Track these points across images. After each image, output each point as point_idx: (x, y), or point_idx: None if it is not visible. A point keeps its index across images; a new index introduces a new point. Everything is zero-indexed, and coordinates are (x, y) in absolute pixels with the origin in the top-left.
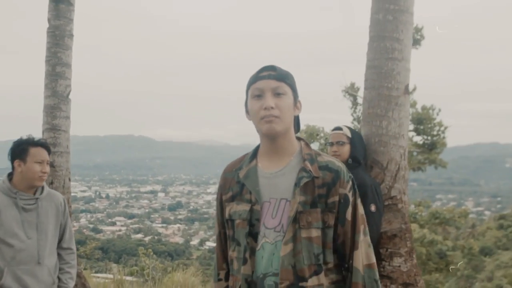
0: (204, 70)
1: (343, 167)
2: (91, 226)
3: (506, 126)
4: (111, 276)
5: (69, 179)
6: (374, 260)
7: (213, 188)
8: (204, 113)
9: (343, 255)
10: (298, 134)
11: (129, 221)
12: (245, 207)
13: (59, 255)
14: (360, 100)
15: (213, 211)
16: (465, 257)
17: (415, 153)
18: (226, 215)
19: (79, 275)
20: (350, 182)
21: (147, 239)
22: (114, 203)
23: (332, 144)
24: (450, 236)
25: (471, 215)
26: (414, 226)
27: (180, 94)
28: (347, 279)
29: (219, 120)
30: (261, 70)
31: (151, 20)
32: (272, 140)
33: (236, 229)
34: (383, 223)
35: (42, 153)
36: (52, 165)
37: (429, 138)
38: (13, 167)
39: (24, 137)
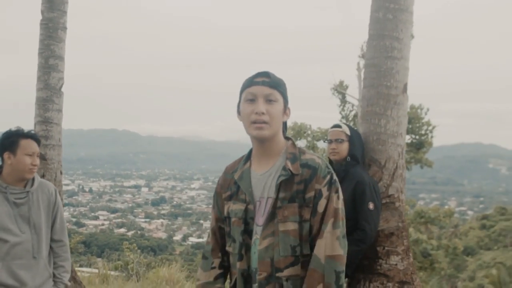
0: (192, 64)
1: (322, 164)
2: (74, 220)
3: (490, 127)
4: (95, 270)
5: (61, 172)
6: (340, 252)
7: (197, 184)
8: (189, 108)
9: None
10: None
11: (112, 215)
12: (241, 206)
13: (51, 248)
14: (349, 98)
15: (196, 206)
16: (448, 257)
17: None
18: (225, 213)
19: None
20: (328, 177)
21: (130, 233)
22: (97, 197)
23: (331, 141)
24: (433, 235)
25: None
26: None
27: (165, 87)
28: None
29: (204, 116)
30: (256, 76)
31: (140, 12)
32: (261, 143)
33: (232, 226)
34: (380, 221)
35: (32, 145)
36: (43, 158)
37: (417, 137)
38: (2, 160)
39: (13, 128)
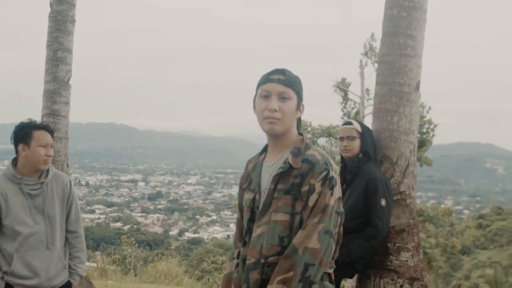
0: (193, 59)
1: (321, 160)
2: None
3: (488, 126)
4: (94, 264)
5: (67, 165)
6: (316, 246)
7: (194, 179)
8: (188, 103)
9: None
10: None
11: (109, 209)
12: (250, 196)
13: (66, 239)
14: (351, 96)
15: (192, 201)
16: (444, 255)
17: None
18: (242, 203)
19: None
20: (324, 174)
21: (126, 228)
22: (94, 190)
23: (342, 138)
24: (430, 233)
25: None
26: None
27: (164, 82)
28: None
29: (203, 111)
30: (272, 73)
31: (141, 5)
32: (273, 137)
33: (244, 215)
34: (391, 217)
35: (46, 136)
36: None
37: (418, 135)
38: (17, 152)
39: (26, 120)
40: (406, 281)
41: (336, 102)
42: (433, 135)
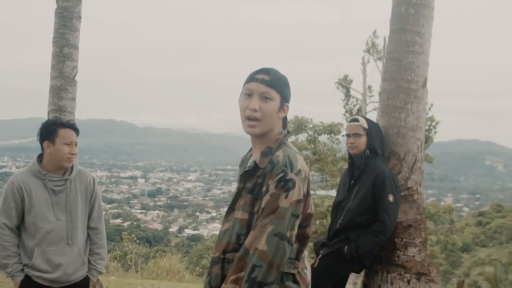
0: (193, 55)
1: (282, 161)
2: None
3: (487, 124)
4: None
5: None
6: (263, 248)
7: (194, 176)
8: (189, 100)
9: None
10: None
11: (108, 206)
12: (235, 191)
13: (87, 235)
14: (353, 93)
15: (192, 198)
16: (444, 253)
17: None
18: None
19: None
20: (280, 175)
21: (126, 224)
22: None
23: (348, 135)
24: (430, 230)
25: None
26: None
27: (165, 78)
28: None
29: (203, 108)
30: (258, 72)
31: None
32: (253, 137)
33: None
34: (399, 213)
35: (70, 134)
36: None
37: None
38: (42, 148)
39: (52, 118)
40: (414, 276)
41: (338, 99)
42: (435, 132)
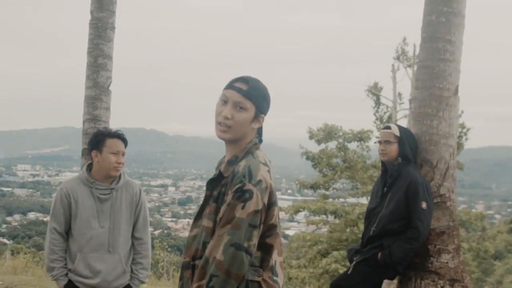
0: (229, 64)
1: (242, 172)
2: None
3: None
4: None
5: None
6: (220, 258)
7: None
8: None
9: None
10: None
11: None
12: (204, 198)
13: (132, 244)
14: (383, 100)
15: None
16: (475, 260)
17: None
18: None
19: None
20: (238, 186)
21: (156, 232)
22: None
23: (380, 142)
24: (462, 238)
25: None
26: None
27: (195, 86)
28: None
29: None
30: (237, 80)
31: (182, 8)
32: (225, 142)
33: None
34: (432, 220)
35: (118, 144)
36: None
37: None
38: (91, 157)
39: (102, 129)
40: (447, 282)
41: (368, 106)
42: (466, 139)
